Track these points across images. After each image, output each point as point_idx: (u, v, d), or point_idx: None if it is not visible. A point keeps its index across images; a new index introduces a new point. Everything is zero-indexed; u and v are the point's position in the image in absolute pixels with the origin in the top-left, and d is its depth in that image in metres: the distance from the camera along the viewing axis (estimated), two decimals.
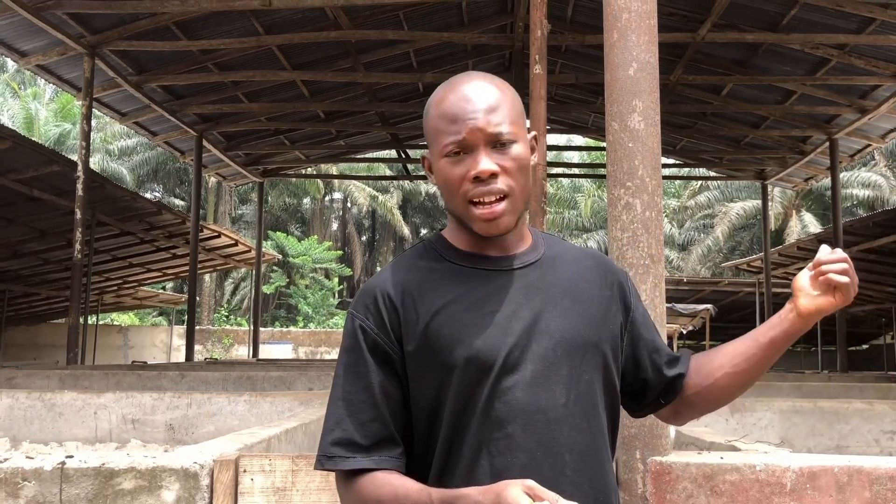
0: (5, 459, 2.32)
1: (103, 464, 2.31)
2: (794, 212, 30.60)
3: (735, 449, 2.70)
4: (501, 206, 1.27)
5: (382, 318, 1.30)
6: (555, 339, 1.27)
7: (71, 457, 2.34)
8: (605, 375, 1.32)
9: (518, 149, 1.29)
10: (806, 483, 2.21)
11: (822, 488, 2.20)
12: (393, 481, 1.22)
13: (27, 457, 2.36)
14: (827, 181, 18.65)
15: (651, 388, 1.43)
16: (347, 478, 1.27)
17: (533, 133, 1.37)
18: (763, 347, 1.41)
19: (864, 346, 25.94)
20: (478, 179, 1.26)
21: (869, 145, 14.00)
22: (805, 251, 16.33)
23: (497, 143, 1.27)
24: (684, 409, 1.47)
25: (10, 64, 34.54)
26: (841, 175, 15.39)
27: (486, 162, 1.26)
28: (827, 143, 13.45)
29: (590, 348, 1.30)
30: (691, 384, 1.43)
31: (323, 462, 1.28)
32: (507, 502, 1.08)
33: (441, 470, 1.26)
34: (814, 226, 28.96)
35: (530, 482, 1.10)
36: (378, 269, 42.53)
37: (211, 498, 2.31)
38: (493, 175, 1.26)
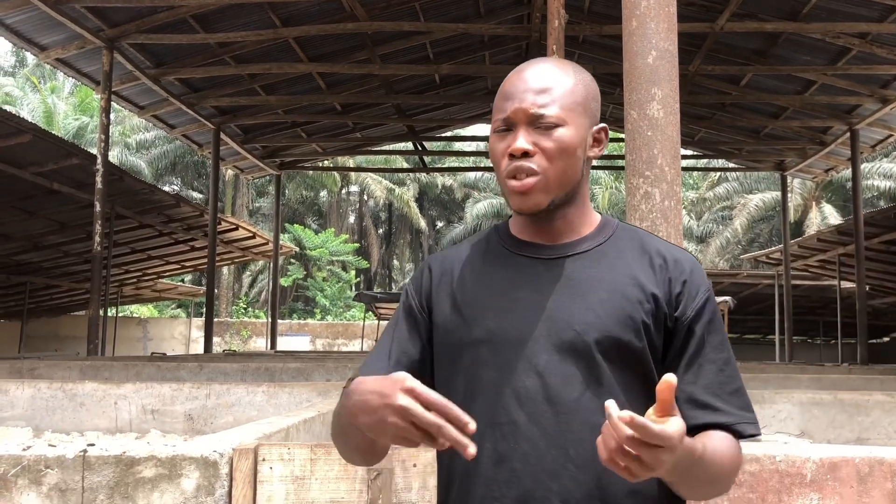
0: (28, 447, 2.35)
1: (124, 452, 2.33)
2: (813, 203, 30.32)
3: (754, 439, 2.68)
4: (534, 181, 1.28)
5: (421, 285, 1.40)
6: (576, 331, 1.25)
7: (93, 445, 2.37)
8: (643, 377, 1.26)
9: (562, 132, 1.28)
10: (826, 474, 2.19)
11: (843, 479, 2.18)
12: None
13: (49, 445, 2.38)
14: (847, 172, 18.52)
15: None
16: None
17: (601, 125, 1.37)
18: None
19: (885, 339, 25.69)
20: (512, 156, 1.28)
21: (890, 135, 13.82)
22: (825, 243, 16.18)
23: (539, 124, 1.28)
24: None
25: (30, 59, 34.88)
26: (862, 166, 15.23)
27: (521, 140, 1.28)
28: (847, 134, 13.31)
29: (620, 346, 1.25)
30: None
31: (342, 394, 1.33)
32: (397, 376, 1.11)
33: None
34: (834, 217, 28.69)
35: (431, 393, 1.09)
36: (394, 261, 42.68)
37: (230, 486, 2.33)
38: (526, 154, 1.27)
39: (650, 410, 1.08)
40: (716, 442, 1.22)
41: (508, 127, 1.30)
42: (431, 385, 1.31)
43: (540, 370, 1.24)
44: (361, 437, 1.22)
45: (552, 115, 1.28)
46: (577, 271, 1.30)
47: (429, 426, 1.06)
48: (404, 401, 1.08)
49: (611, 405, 1.05)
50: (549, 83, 1.30)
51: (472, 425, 1.05)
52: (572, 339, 1.25)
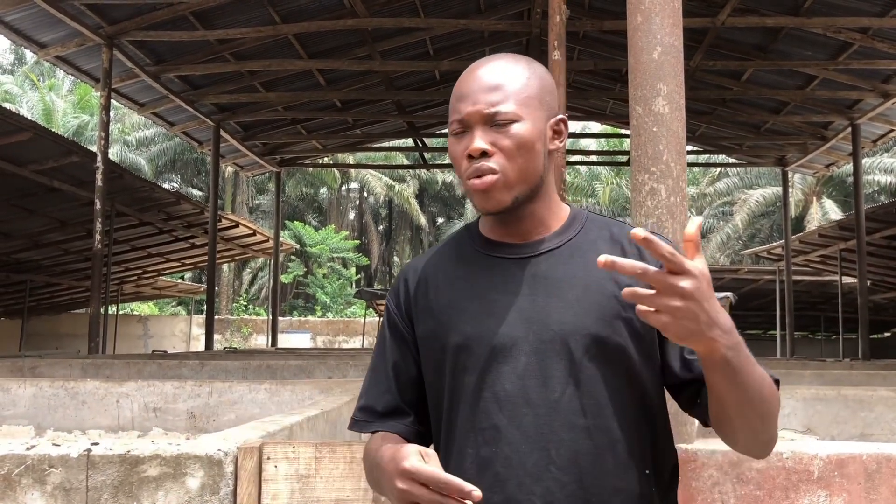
0: (32, 446, 2.34)
1: (128, 451, 2.33)
2: (814, 198, 30.31)
3: None
4: (494, 180, 1.26)
5: (400, 300, 1.39)
6: (553, 331, 1.24)
7: (96, 444, 2.36)
8: (626, 372, 1.25)
9: (519, 128, 1.27)
10: (834, 471, 2.18)
11: (851, 476, 2.18)
12: (381, 440, 1.31)
13: (53, 444, 2.37)
14: (848, 167, 18.50)
15: (686, 390, 1.29)
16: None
17: (559, 116, 1.34)
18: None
19: (886, 334, 25.70)
20: (471, 157, 1.27)
21: (892, 130, 13.79)
22: (826, 238, 16.17)
23: (494, 122, 1.27)
24: (716, 428, 1.27)
25: (29, 56, 34.83)
26: (863, 161, 15.21)
27: (477, 140, 1.26)
28: (849, 129, 13.29)
29: (599, 343, 1.23)
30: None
31: (351, 424, 1.42)
32: (401, 454, 1.14)
33: (442, 452, 1.30)
34: (835, 212, 28.67)
35: (430, 450, 1.15)
36: (394, 258, 42.70)
37: (235, 485, 2.32)
38: (484, 153, 1.26)
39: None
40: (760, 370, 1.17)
41: (464, 128, 1.29)
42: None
43: (519, 372, 1.24)
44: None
45: (506, 111, 1.26)
46: (551, 269, 1.29)
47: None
48: (403, 485, 1.11)
49: (638, 231, 1.02)
50: (501, 80, 1.29)
51: (477, 492, 1.07)
52: (551, 338, 1.24)
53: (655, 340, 1.28)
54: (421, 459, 1.11)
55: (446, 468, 1.26)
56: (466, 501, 1.07)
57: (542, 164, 1.30)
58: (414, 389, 1.37)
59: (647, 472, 1.25)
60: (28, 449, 2.33)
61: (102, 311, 11.60)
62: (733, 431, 1.21)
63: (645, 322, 1.20)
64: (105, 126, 9.94)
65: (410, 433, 1.35)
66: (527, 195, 1.29)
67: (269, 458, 2.33)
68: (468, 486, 1.06)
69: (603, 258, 1.02)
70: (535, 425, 1.22)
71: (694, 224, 1.03)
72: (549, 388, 1.23)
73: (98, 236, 9.59)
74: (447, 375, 1.29)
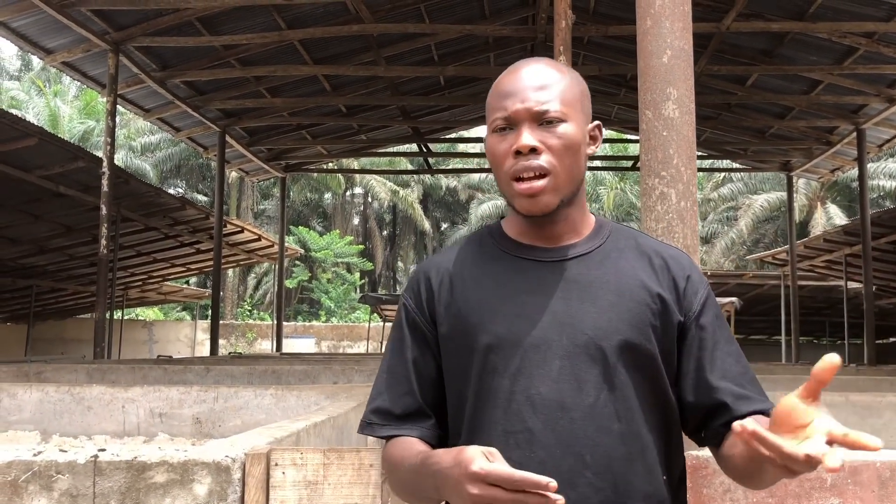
0: (39, 452, 2.33)
1: (136, 457, 2.31)
2: (819, 203, 30.23)
3: None
4: (541, 182, 1.25)
5: (421, 298, 1.36)
6: (588, 335, 1.24)
7: (103, 450, 2.35)
8: (652, 379, 1.26)
9: (566, 128, 1.27)
10: (847, 478, 2.16)
11: (864, 483, 2.16)
12: (407, 445, 1.29)
13: (60, 450, 2.36)
14: (852, 172, 18.46)
15: (691, 412, 1.29)
16: (385, 442, 1.37)
17: (596, 122, 1.35)
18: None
19: (892, 339, 25.59)
20: (519, 154, 1.25)
21: None
22: (831, 243, 16.13)
23: (543, 121, 1.26)
24: (722, 463, 1.29)
25: (35, 62, 34.92)
26: (868, 166, 15.17)
27: (527, 136, 1.25)
28: (854, 134, 13.27)
29: (632, 349, 1.24)
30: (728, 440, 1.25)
31: (363, 427, 1.37)
32: (464, 457, 1.07)
33: None
34: (839, 217, 28.59)
35: (492, 448, 1.08)
36: (399, 263, 42.69)
37: (243, 491, 2.30)
38: (534, 150, 1.25)
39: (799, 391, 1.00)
40: None
41: (510, 125, 1.27)
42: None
43: (554, 376, 1.23)
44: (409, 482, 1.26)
45: (555, 110, 1.26)
46: (583, 274, 1.29)
47: None
48: (476, 489, 1.04)
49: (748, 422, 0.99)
50: (547, 81, 1.28)
51: (554, 483, 1.01)
52: (585, 343, 1.23)
53: (675, 352, 1.29)
54: (486, 460, 1.05)
55: None
56: (546, 493, 1.01)
57: (583, 168, 1.31)
58: (434, 391, 1.34)
59: (665, 476, 1.26)
60: (35, 455, 2.32)
61: (108, 316, 11.61)
62: (741, 479, 1.25)
63: (667, 333, 1.25)
64: (111, 131, 9.96)
65: (433, 437, 1.32)
66: (569, 198, 1.29)
67: (276, 465, 2.32)
68: (544, 478, 1.01)
69: (747, 429, 0.98)
70: (570, 430, 1.21)
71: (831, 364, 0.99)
72: (584, 392, 1.22)
73: (104, 241, 9.60)
74: (473, 377, 1.27)
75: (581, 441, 1.20)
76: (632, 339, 1.24)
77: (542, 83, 1.28)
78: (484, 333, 1.27)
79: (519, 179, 1.26)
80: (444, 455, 1.14)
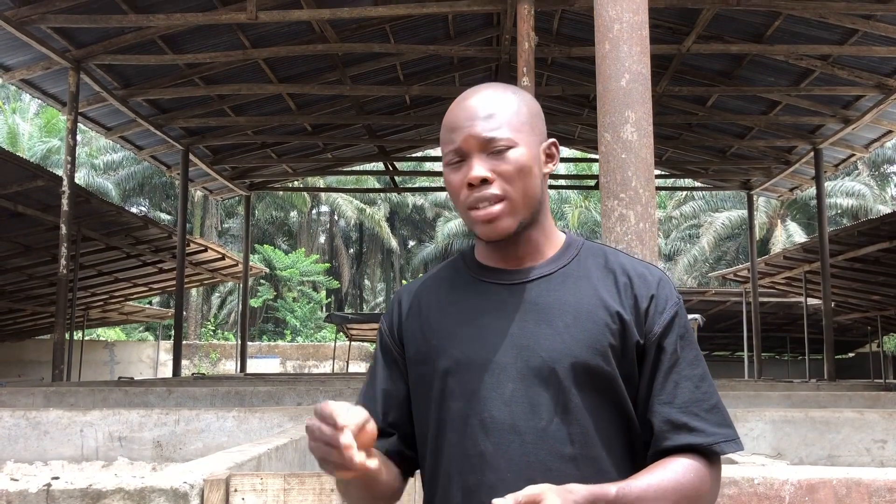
0: None
1: (90, 485, 2.26)
2: (779, 221, 30.80)
3: (731, 462, 2.68)
4: (497, 207, 1.25)
5: (393, 323, 1.38)
6: (542, 357, 1.23)
7: (57, 478, 2.29)
8: (614, 402, 1.24)
9: (517, 153, 1.27)
10: (805, 496, 2.19)
11: (821, 501, 2.18)
12: None
13: (11, 479, 2.30)
14: (811, 191, 18.83)
15: (643, 437, 1.28)
16: None
17: (551, 140, 1.35)
18: None
19: (851, 355, 26.08)
20: (472, 186, 1.26)
21: (853, 155, 14.12)
22: (791, 260, 16.42)
23: (491, 149, 1.26)
24: None
25: None
26: (825, 185, 15.50)
27: (478, 168, 1.25)
28: (811, 153, 13.56)
29: (587, 371, 1.22)
30: None
31: None
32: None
33: (429, 478, 1.29)
34: (799, 235, 29.15)
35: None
36: (365, 281, 42.52)
37: None
38: (485, 181, 1.25)
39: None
40: (665, 473, 1.19)
41: (461, 158, 1.28)
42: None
43: (506, 399, 1.22)
44: (352, 486, 1.25)
45: (503, 137, 1.26)
46: (542, 295, 1.28)
47: (310, 432, 1.09)
48: (309, 423, 1.10)
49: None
50: (493, 108, 1.29)
51: (343, 422, 1.06)
52: (539, 365, 1.23)
53: (636, 373, 1.27)
54: (340, 409, 1.09)
55: (434, 495, 1.27)
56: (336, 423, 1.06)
57: (540, 188, 1.30)
58: (402, 412, 1.35)
59: None
60: None
61: (67, 336, 11.38)
62: None
63: (627, 354, 1.23)
64: (71, 150, 9.82)
65: (392, 451, 1.33)
66: (528, 221, 1.29)
67: (236, 490, 2.29)
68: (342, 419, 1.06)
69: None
70: (521, 453, 1.20)
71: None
72: (537, 415, 1.21)
73: (63, 261, 9.43)
74: (434, 400, 1.27)
75: (533, 465, 1.19)
76: (587, 361, 1.22)
77: (489, 112, 1.28)
78: (443, 357, 1.27)
79: (476, 208, 1.27)
80: None
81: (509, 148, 1.27)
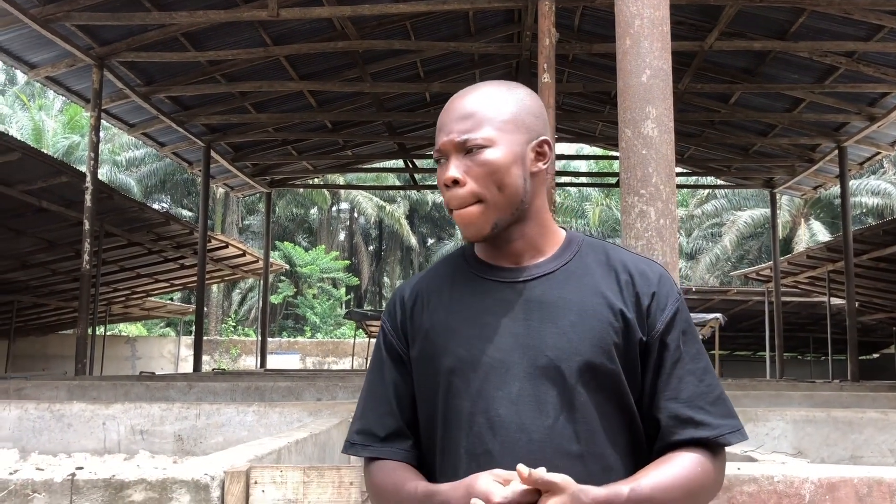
0: (16, 471, 2.31)
1: (113, 475, 2.29)
2: (802, 220, 30.50)
3: (752, 459, 2.67)
4: (471, 209, 1.27)
5: (396, 320, 1.38)
6: (548, 356, 1.23)
7: (81, 468, 2.33)
8: (617, 400, 1.25)
9: (492, 154, 1.27)
10: (825, 495, 2.17)
11: (842, 500, 2.17)
12: (396, 472, 1.30)
13: (37, 468, 2.34)
14: (835, 189, 18.65)
15: (647, 433, 1.30)
16: (367, 463, 1.37)
17: (542, 138, 1.33)
18: None
19: (875, 355, 25.78)
20: (447, 186, 1.29)
21: (878, 153, 13.93)
22: (814, 260, 16.25)
23: (466, 150, 1.28)
24: None
25: (20, 77, 34.78)
26: (850, 183, 15.32)
27: (451, 169, 1.28)
28: (836, 151, 13.40)
29: (592, 369, 1.23)
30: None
31: (347, 447, 1.39)
32: (478, 492, 1.11)
33: (438, 477, 1.29)
34: (822, 234, 28.85)
35: (497, 470, 1.14)
36: (385, 278, 42.62)
37: None
38: (456, 182, 1.27)
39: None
40: (672, 469, 1.21)
41: (443, 158, 1.31)
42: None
43: (513, 398, 1.23)
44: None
45: (475, 138, 1.27)
46: (546, 294, 1.28)
47: None
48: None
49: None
50: (475, 108, 1.29)
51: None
52: (545, 364, 1.23)
53: (639, 370, 1.28)
54: (501, 487, 1.12)
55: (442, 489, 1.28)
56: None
57: (523, 188, 1.29)
58: (412, 411, 1.35)
59: None
60: (11, 474, 2.29)
61: (90, 331, 11.51)
62: None
63: (630, 351, 1.24)
64: (94, 146, 9.92)
65: (414, 458, 1.33)
66: (508, 220, 1.29)
67: (256, 483, 2.31)
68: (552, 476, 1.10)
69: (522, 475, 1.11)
70: (528, 451, 1.21)
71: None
72: (544, 413, 1.22)
73: (86, 257, 9.53)
74: (440, 399, 1.28)
75: (540, 462, 1.18)
76: (593, 360, 1.23)
77: (468, 112, 1.29)
78: (447, 356, 1.28)
79: (455, 209, 1.29)
80: (452, 491, 1.17)
81: (483, 148, 1.27)
